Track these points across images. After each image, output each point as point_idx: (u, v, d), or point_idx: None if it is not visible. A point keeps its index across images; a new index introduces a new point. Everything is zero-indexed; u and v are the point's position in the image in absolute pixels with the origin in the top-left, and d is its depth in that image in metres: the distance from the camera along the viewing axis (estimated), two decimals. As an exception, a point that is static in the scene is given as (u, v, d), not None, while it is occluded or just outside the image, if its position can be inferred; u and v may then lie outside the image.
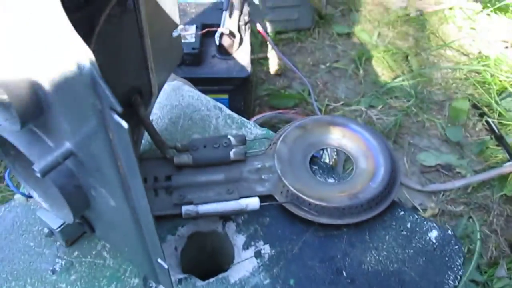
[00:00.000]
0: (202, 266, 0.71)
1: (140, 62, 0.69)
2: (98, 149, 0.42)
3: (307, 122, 0.78)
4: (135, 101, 0.71)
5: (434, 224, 0.70)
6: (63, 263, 0.67)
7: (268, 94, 1.64)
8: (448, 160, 1.45)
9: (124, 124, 0.36)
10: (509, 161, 1.40)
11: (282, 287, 0.65)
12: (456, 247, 0.68)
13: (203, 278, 0.67)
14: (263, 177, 0.73)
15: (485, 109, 1.53)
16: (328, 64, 1.76)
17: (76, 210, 0.52)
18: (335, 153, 1.24)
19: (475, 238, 1.26)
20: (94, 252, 0.68)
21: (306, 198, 0.69)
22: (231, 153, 0.73)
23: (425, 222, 0.70)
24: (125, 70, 0.67)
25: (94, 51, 0.35)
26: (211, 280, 0.66)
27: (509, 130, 1.48)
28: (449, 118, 1.55)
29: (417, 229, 0.70)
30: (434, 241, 0.68)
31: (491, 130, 1.49)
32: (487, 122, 1.50)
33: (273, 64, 1.73)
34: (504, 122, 1.50)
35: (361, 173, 0.73)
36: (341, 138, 0.77)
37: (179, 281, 0.66)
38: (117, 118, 0.36)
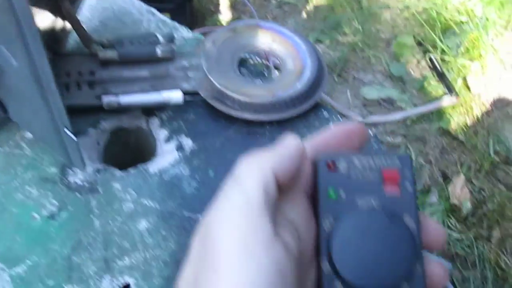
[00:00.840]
0: (125, 161, 0.70)
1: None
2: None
3: (238, 25, 0.77)
4: (59, -7, 0.68)
5: (357, 125, 0.71)
6: (-22, 152, 0.66)
7: (216, 25, 1.62)
8: (390, 94, 1.47)
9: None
10: (447, 95, 1.43)
11: (201, 177, 0.65)
12: (375, 143, 0.70)
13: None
14: (189, 74, 0.72)
15: (429, 46, 1.55)
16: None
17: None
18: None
19: (410, 168, 1.29)
20: (11, 142, 0.67)
21: (230, 93, 0.68)
22: (158, 50, 0.72)
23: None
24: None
25: None
26: (130, 170, 0.65)
27: (451, 68, 1.51)
28: (394, 54, 1.56)
29: (339, 129, 0.70)
30: (355, 140, 0.69)
31: (433, 66, 1.52)
32: (430, 58, 1.53)
33: (223, -4, 1.70)
34: (446, 59, 1.53)
35: (287, 74, 0.73)
36: (271, 42, 0.76)
37: (98, 170, 0.65)
38: None
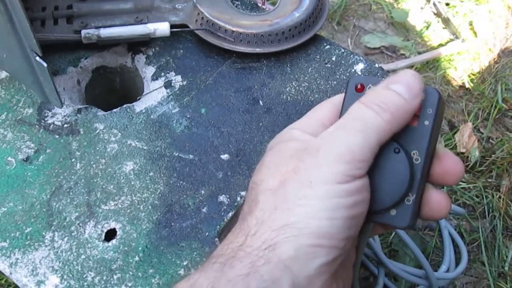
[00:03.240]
0: (110, 102, 0.65)
1: None
2: None
3: (229, -48, 0.70)
4: None
5: (361, 58, 0.65)
6: None
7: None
8: (393, 41, 1.40)
9: None
10: (452, 41, 1.36)
11: (192, 115, 0.59)
12: (383, 78, 0.64)
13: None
14: (177, 6, 0.65)
15: (433, -9, 1.47)
16: None
17: None
18: None
19: (414, 117, 1.23)
20: (-17, 83, 0.61)
21: (222, 24, 0.62)
22: (142, -21, 0.65)
23: (351, 56, 0.65)
24: None
25: None
26: (114, 110, 0.60)
27: (456, 12, 1.44)
28: (396, 0, 1.49)
29: (343, 62, 0.64)
30: (360, 73, 0.64)
31: (437, 12, 1.44)
32: (434, 4, 1.45)
33: None
34: (452, 4, 1.45)
35: (285, 4, 0.66)
36: (266, -31, 0.70)
37: (78, 110, 0.59)
38: None
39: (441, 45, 1.38)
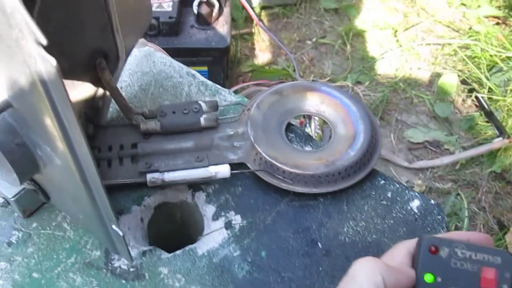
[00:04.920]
0: (171, 239, 0.67)
1: (104, 23, 0.64)
2: (35, 98, 0.38)
3: (284, 88, 0.73)
4: (99, 64, 0.66)
5: (416, 194, 0.66)
6: (20, 235, 0.63)
7: (252, 71, 1.59)
8: (436, 136, 1.41)
9: (52, 61, 0.31)
10: (498, 137, 1.36)
11: (253, 259, 0.61)
12: (439, 217, 0.64)
13: (172, 251, 0.63)
14: (235, 144, 0.68)
15: (475, 85, 1.49)
16: (314, 40, 1.71)
17: (21, 171, 0.48)
18: (319, 127, 1.20)
19: (463, 216, 1.22)
20: (54, 224, 0.64)
21: (280, 165, 0.64)
22: (202, 119, 0.69)
23: (406, 192, 0.66)
24: (87, 30, 0.62)
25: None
26: (177, 252, 0.62)
27: (499, 105, 1.45)
28: (437, 94, 1.51)
29: (398, 198, 0.66)
30: (416, 210, 0.65)
31: (480, 106, 1.45)
32: (476, 97, 1.46)
33: (258, 40, 1.68)
34: (494, 97, 1.46)
35: (339, 140, 0.69)
36: (319, 104, 0.72)
37: (143, 253, 0.61)
38: (44, 53, 0.31)
39: (486, 139, 1.38)
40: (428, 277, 0.42)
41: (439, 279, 0.41)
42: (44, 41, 0.30)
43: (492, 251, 0.41)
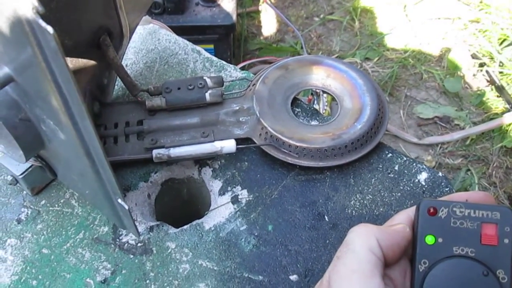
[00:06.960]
0: (178, 214, 0.67)
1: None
2: (36, 70, 0.37)
3: (289, 62, 0.73)
4: (103, 41, 0.66)
5: (424, 166, 0.66)
6: (29, 212, 0.63)
7: (259, 48, 1.58)
8: (446, 112, 1.39)
9: (50, 29, 0.31)
10: (509, 111, 1.35)
11: (259, 232, 0.61)
12: (447, 189, 0.64)
13: (179, 226, 0.63)
14: (241, 119, 0.68)
15: (485, 59, 1.46)
16: (322, 16, 1.70)
17: (26, 147, 0.48)
18: (327, 104, 1.19)
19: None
20: (62, 201, 0.64)
21: (286, 139, 0.64)
22: (207, 94, 0.68)
23: (414, 164, 0.66)
24: (90, 7, 0.62)
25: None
26: (184, 227, 0.62)
27: (510, 80, 1.43)
28: (447, 69, 1.49)
29: (406, 171, 0.65)
30: (424, 183, 0.64)
31: (491, 80, 1.43)
32: (487, 72, 1.44)
33: (265, 18, 1.66)
34: (505, 71, 1.44)
35: (345, 114, 0.68)
36: (325, 78, 0.72)
37: (151, 228, 0.62)
38: (42, 23, 0.31)
39: (496, 114, 1.37)
40: (429, 239, 0.42)
41: (440, 240, 0.42)
42: (41, 9, 0.30)
43: (491, 207, 0.41)
